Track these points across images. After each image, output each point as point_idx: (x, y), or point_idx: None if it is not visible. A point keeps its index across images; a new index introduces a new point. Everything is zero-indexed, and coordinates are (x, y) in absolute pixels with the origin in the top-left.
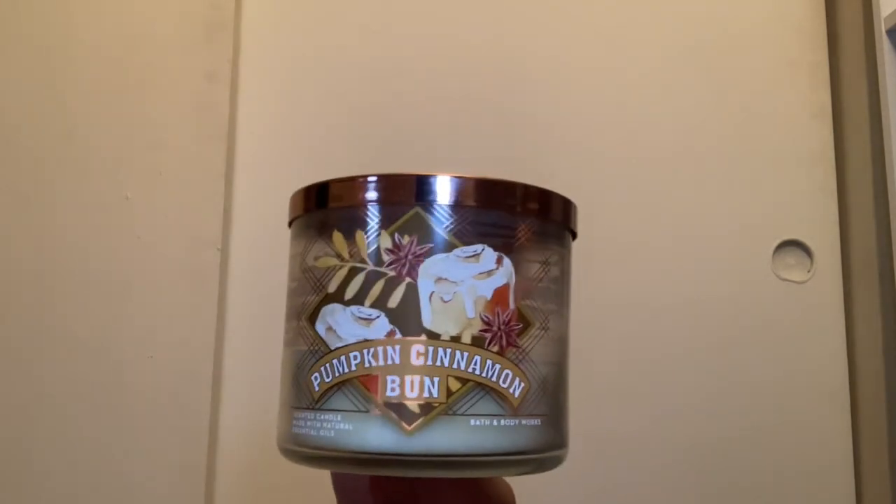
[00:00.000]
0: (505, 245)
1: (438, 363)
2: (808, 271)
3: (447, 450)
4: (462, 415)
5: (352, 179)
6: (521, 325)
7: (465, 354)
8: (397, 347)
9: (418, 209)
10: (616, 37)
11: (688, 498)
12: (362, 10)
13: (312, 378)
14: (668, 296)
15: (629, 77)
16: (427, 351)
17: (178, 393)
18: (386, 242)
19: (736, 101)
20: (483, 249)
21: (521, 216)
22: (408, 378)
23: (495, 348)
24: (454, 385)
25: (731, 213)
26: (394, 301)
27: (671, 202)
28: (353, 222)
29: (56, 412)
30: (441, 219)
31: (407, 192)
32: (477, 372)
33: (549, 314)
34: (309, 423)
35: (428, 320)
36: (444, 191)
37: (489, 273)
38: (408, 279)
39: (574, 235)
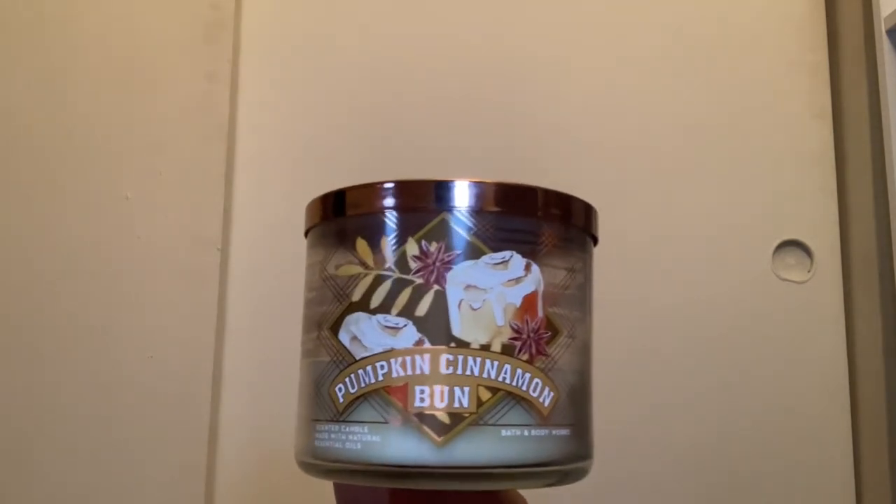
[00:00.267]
0: (532, 251)
1: (468, 372)
2: (808, 271)
3: (478, 461)
4: (493, 425)
5: (374, 186)
6: (549, 334)
7: (496, 363)
8: (426, 356)
9: (445, 215)
10: (615, 37)
11: (687, 498)
12: (363, 9)
13: (336, 389)
14: (668, 295)
15: (629, 77)
16: (457, 360)
17: (178, 393)
18: (413, 249)
19: (736, 101)
20: (511, 256)
21: (547, 222)
22: (437, 388)
23: (525, 357)
24: (484, 395)
25: (731, 213)
26: (422, 309)
27: (671, 202)
28: (377, 229)
29: (56, 412)
30: (468, 225)
31: (432, 198)
32: (507, 381)
33: (576, 322)
34: (333, 436)
35: (457, 328)
36: (470, 196)
37: (518, 280)
38: (436, 287)
39: (595, 241)
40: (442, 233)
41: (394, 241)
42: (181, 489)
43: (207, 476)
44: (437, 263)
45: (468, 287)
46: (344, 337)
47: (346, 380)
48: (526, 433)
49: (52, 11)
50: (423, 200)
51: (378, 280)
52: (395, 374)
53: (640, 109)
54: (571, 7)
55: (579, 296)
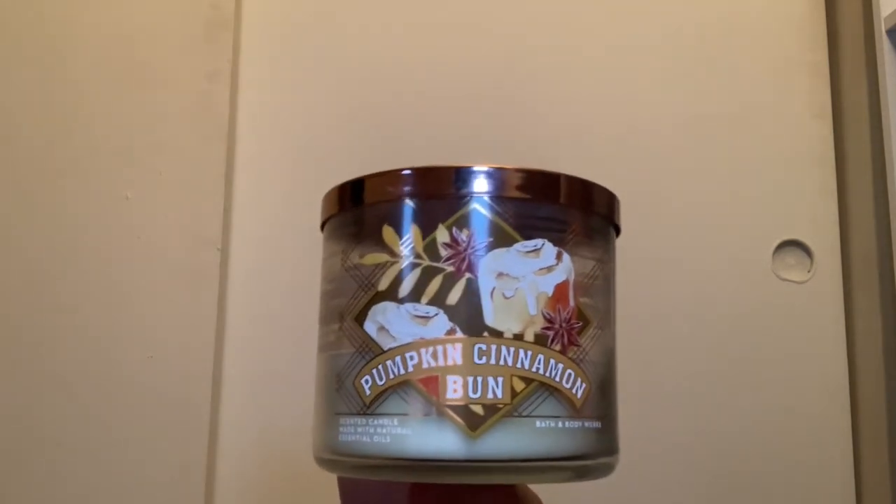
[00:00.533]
0: (562, 240)
1: (502, 362)
2: (808, 271)
3: (513, 454)
4: (527, 416)
5: (400, 172)
6: (580, 324)
7: (529, 353)
8: (458, 346)
9: (476, 202)
10: (615, 37)
11: (687, 497)
12: (363, 9)
13: (362, 382)
14: (668, 295)
15: (628, 77)
16: (490, 349)
17: (178, 393)
18: (443, 236)
19: (736, 101)
20: (543, 244)
21: (577, 211)
22: (470, 378)
23: (557, 347)
24: (518, 385)
25: (731, 213)
26: (453, 298)
27: (671, 202)
28: (405, 217)
29: (55, 412)
30: (500, 212)
31: (462, 185)
32: (541, 372)
33: (604, 313)
34: (360, 430)
35: (490, 317)
36: (501, 183)
37: (550, 269)
38: (468, 274)
39: (618, 232)
40: (473, 220)
41: (424, 228)
42: (181, 489)
43: (207, 476)
44: (469, 251)
45: (500, 275)
46: (370, 327)
47: (374, 371)
48: (560, 425)
49: (52, 11)
50: (452, 187)
51: (407, 268)
52: (425, 365)
53: (639, 109)
54: (571, 7)
55: (606, 287)
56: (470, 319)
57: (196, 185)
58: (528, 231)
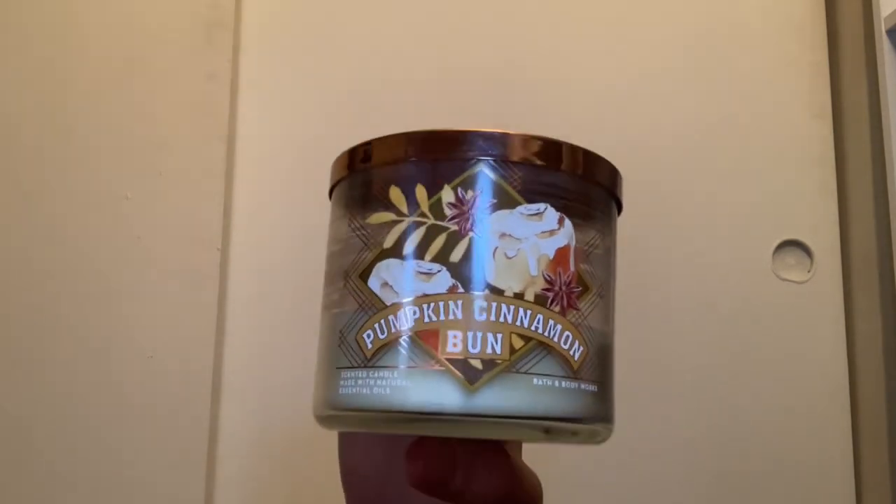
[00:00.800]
0: (565, 206)
1: (502, 319)
2: (808, 271)
3: (509, 409)
4: (525, 373)
5: (407, 134)
6: (580, 289)
7: (529, 312)
8: (459, 302)
9: (482, 164)
10: (615, 37)
11: (687, 497)
12: (362, 9)
13: (364, 336)
14: (668, 295)
15: (628, 77)
16: (490, 306)
17: (178, 393)
18: (449, 196)
19: (736, 101)
20: (546, 208)
21: (580, 180)
22: (470, 333)
23: (556, 308)
24: (517, 342)
25: (731, 213)
26: (456, 255)
27: (671, 202)
28: (412, 177)
29: (55, 412)
30: (505, 175)
31: (470, 147)
32: (539, 331)
33: (604, 282)
34: (360, 382)
35: (491, 276)
36: (508, 147)
37: (551, 232)
38: (471, 233)
39: (620, 208)
40: (478, 181)
41: (430, 188)
42: (181, 489)
43: (207, 476)
44: (473, 211)
45: (503, 235)
46: (374, 283)
47: (376, 325)
48: (557, 384)
49: (52, 11)
50: (459, 149)
51: (412, 227)
52: (427, 320)
53: (639, 109)
54: (571, 7)
55: (607, 258)
56: (472, 277)
57: (196, 185)
58: (531, 195)
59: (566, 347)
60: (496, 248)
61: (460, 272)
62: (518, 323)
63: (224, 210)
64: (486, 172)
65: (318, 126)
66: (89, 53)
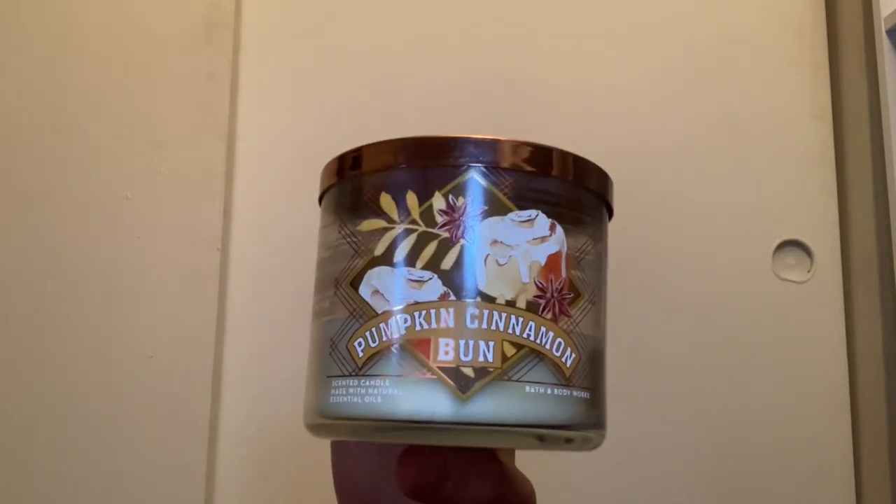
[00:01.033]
0: (557, 213)
1: (494, 327)
2: (808, 271)
3: (502, 417)
4: (517, 381)
5: (398, 141)
6: (572, 295)
7: (521, 319)
8: (451, 310)
9: (473, 171)
10: (615, 37)
11: (687, 497)
12: (362, 9)
13: (355, 344)
14: (668, 295)
15: (628, 78)
16: (482, 314)
17: (178, 393)
18: (440, 203)
19: (736, 101)
20: (537, 215)
21: (572, 186)
22: (462, 341)
23: (548, 315)
24: (509, 350)
25: (731, 213)
26: (447, 263)
27: (671, 202)
28: (402, 184)
29: (55, 412)
30: (496, 181)
31: (460, 154)
32: (532, 338)
33: (595, 289)
34: (351, 391)
35: (483, 283)
36: (498, 154)
37: (543, 239)
38: (463, 241)
39: (611, 214)
40: (469, 188)
41: (421, 195)
42: (181, 489)
43: (207, 476)
44: (464, 218)
45: (494, 242)
46: (365, 291)
47: (367, 334)
48: (549, 391)
49: (52, 11)
50: (450, 156)
51: (403, 234)
52: (418, 328)
53: (640, 109)
54: (572, 8)
55: (598, 264)
56: (464, 284)
57: (196, 185)
58: (522, 202)
59: (558, 355)
60: (487, 256)
61: (452, 280)
62: (510, 330)
63: (224, 210)
64: (476, 179)
65: (318, 126)
66: (89, 53)
